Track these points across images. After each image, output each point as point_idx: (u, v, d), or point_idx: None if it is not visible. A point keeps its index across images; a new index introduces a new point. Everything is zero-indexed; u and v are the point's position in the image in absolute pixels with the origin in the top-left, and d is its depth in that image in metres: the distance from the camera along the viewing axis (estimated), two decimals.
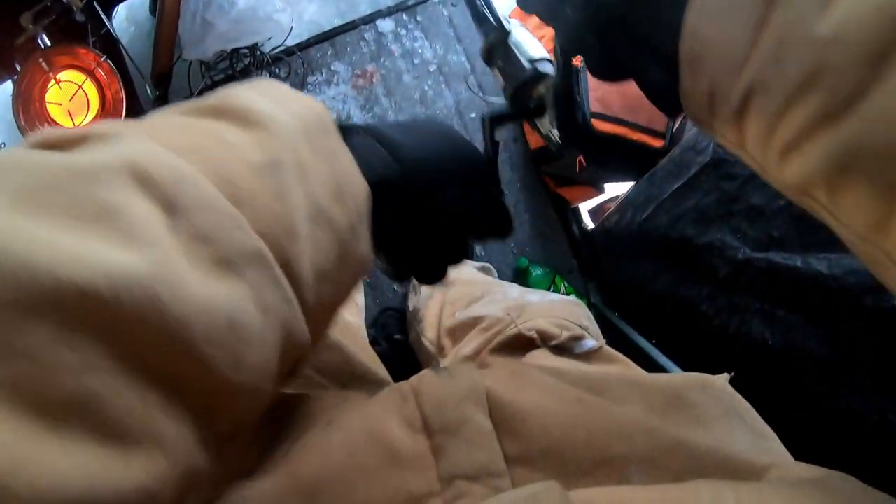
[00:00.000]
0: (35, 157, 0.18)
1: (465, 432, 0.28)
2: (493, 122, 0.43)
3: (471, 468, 0.27)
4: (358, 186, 0.27)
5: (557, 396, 0.30)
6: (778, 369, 0.75)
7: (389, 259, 0.38)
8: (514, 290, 0.74)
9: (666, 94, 0.29)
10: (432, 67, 1.39)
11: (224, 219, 0.20)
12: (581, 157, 1.16)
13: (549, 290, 1.22)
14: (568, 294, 1.25)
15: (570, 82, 0.42)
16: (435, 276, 0.40)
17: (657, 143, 1.16)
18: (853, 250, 0.22)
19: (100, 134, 0.20)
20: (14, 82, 0.93)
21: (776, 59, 0.20)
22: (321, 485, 0.26)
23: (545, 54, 0.44)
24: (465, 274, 0.96)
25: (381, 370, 0.51)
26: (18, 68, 0.94)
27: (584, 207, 1.42)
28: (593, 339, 0.55)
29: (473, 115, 1.36)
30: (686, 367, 0.99)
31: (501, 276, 1.18)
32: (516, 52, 0.45)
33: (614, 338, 1.13)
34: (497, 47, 0.47)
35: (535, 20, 0.35)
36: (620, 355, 0.54)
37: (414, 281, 0.40)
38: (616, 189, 1.32)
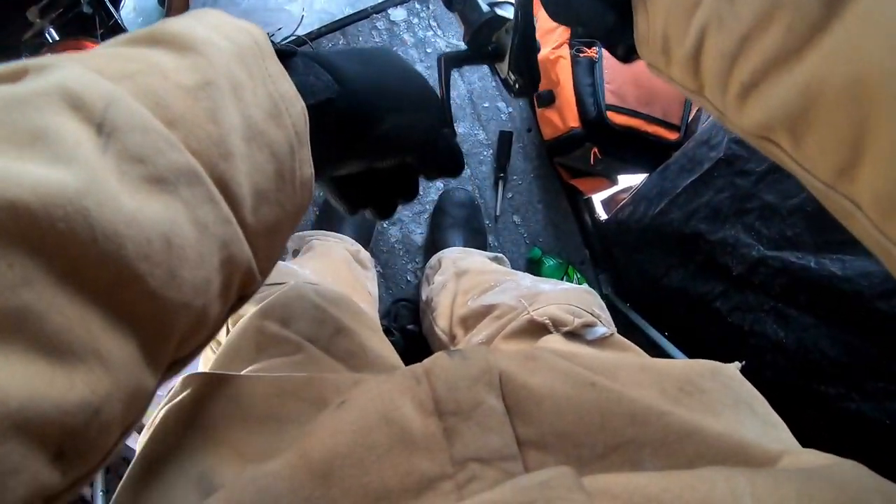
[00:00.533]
0: None
1: (477, 415, 0.28)
2: (447, 62, 0.43)
3: (483, 451, 0.27)
4: (296, 108, 0.27)
5: (571, 380, 0.30)
6: (791, 368, 0.75)
7: (339, 191, 0.38)
8: (527, 280, 0.74)
9: (621, 40, 0.28)
10: None
11: (156, 138, 0.20)
12: (595, 149, 1.15)
13: (561, 280, 1.22)
14: (581, 285, 1.25)
15: (530, 26, 0.41)
16: (385, 209, 0.40)
17: (672, 136, 1.15)
18: (819, 199, 0.21)
19: (39, 66, 0.20)
20: None
21: None
22: (333, 465, 0.26)
23: None
24: (478, 263, 0.95)
25: (394, 356, 0.51)
26: None
27: (597, 198, 1.41)
28: (605, 327, 0.54)
29: (487, 104, 1.35)
30: None
31: (514, 267, 1.18)
32: None
33: (626, 329, 1.12)
34: None
35: None
36: (632, 344, 0.53)
37: (427, 270, 0.41)
38: (629, 180, 1.31)
